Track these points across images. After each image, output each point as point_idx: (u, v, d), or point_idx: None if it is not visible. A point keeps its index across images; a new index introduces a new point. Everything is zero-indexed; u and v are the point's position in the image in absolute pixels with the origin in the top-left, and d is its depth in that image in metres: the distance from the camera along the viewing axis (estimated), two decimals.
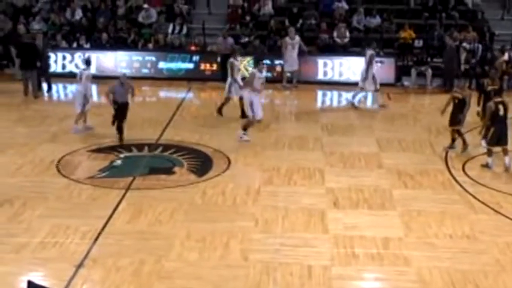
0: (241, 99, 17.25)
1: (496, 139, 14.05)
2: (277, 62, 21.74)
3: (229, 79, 17.88)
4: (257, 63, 16.44)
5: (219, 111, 17.93)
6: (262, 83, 15.99)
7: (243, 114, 17.33)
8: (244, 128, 15.97)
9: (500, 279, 9.93)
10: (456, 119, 15.11)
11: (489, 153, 14.27)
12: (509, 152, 14.21)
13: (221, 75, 21.11)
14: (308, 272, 10.04)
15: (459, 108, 15.03)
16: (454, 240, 11.22)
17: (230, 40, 21.66)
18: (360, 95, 19.77)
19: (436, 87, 21.58)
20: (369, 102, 20.16)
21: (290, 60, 21.17)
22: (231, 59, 18.08)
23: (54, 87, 21.03)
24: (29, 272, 9.72)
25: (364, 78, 19.17)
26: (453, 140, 15.38)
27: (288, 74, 21.46)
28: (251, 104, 15.79)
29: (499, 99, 14.13)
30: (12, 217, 11.76)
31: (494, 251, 10.80)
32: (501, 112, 14.00)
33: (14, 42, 21.55)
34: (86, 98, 16.47)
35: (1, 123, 17.08)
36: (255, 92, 15.77)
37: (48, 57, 20.82)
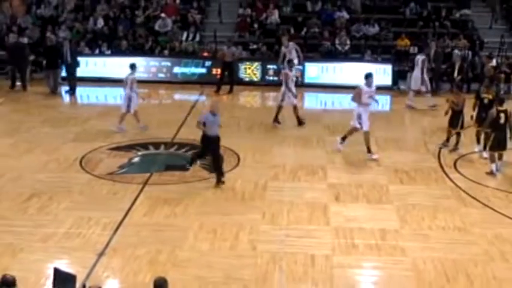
0: (295, 107, 16.92)
1: (496, 145, 13.66)
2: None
3: (282, 88, 16.90)
4: (366, 78, 14.64)
5: (276, 119, 17.10)
6: (371, 96, 14.73)
7: (300, 122, 16.97)
8: (343, 138, 15.03)
9: (489, 268, 9.93)
10: (454, 122, 15.08)
11: (492, 159, 13.83)
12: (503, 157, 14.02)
13: (220, 81, 21.00)
14: (311, 261, 10.05)
15: (457, 112, 15.00)
16: (446, 232, 11.20)
17: (233, 49, 21.52)
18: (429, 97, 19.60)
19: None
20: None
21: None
22: (285, 70, 17.24)
23: (77, 90, 21.00)
24: (55, 260, 9.78)
25: (422, 81, 19.18)
26: (448, 139, 15.33)
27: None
28: (359, 117, 14.63)
29: (501, 108, 13.66)
30: (40, 209, 11.82)
31: (483, 242, 10.79)
32: (502, 120, 13.56)
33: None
34: (131, 100, 16.33)
35: (30, 124, 17.11)
36: (364, 106, 14.64)
37: (76, 62, 20.77)
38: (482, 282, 9.55)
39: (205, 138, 12.76)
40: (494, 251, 10.50)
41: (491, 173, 13.79)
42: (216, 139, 12.82)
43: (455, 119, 15.11)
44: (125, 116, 16.49)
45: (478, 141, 15.02)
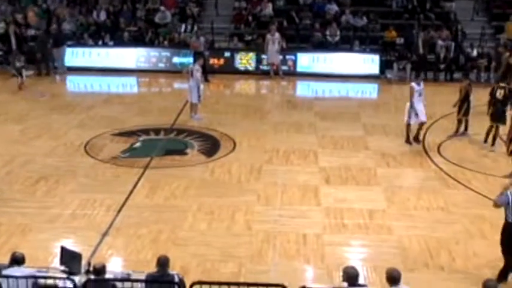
0: (410, 126, 14.39)
1: None
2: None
3: (407, 103, 14.30)
4: None
5: (416, 139, 14.40)
6: None
7: (407, 139, 14.50)
8: None
9: (470, 245, 9.99)
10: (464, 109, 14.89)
11: None
12: None
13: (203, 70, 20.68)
14: (303, 239, 10.09)
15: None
16: (430, 212, 11.24)
17: (202, 39, 21.35)
18: None
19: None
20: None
21: (270, 54, 21.00)
22: (412, 83, 14.44)
23: (82, 79, 21.01)
24: (62, 239, 9.80)
25: None
26: (466, 127, 15.12)
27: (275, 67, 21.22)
28: None
29: None
30: (47, 192, 11.82)
31: (465, 221, 10.84)
32: None
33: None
34: (199, 90, 16.24)
35: (38, 111, 17.02)
36: None
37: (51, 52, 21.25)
38: (463, 258, 9.60)
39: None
40: (475, 230, 10.56)
41: None
42: None
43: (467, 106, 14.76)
44: (197, 106, 16.40)
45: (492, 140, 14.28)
